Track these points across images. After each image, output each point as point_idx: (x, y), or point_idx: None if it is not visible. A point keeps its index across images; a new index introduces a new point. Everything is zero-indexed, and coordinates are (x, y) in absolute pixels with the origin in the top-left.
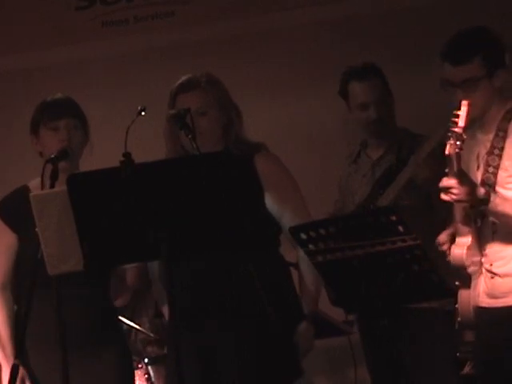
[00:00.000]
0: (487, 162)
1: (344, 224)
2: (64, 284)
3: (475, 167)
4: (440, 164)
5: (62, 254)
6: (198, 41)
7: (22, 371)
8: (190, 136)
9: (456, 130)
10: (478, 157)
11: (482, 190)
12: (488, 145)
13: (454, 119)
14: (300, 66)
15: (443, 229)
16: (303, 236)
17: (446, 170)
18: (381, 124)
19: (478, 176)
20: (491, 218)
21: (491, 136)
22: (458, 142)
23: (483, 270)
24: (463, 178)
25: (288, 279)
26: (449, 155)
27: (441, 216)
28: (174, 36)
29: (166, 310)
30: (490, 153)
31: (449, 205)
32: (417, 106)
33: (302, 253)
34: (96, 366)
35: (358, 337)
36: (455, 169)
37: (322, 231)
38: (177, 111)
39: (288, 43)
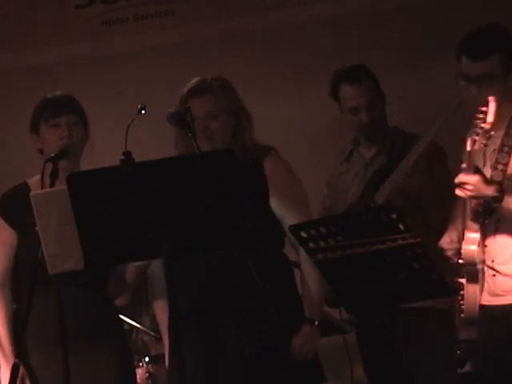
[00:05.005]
0: (496, 159)
1: (344, 222)
2: (63, 283)
3: (481, 164)
4: (429, 169)
5: (62, 253)
6: (197, 40)
7: (21, 371)
8: (190, 134)
9: (484, 125)
10: (484, 154)
11: (495, 188)
12: (497, 142)
13: (478, 115)
14: (300, 65)
15: (437, 232)
16: (304, 234)
17: (463, 166)
18: (372, 126)
19: (486, 173)
20: (497, 216)
21: (501, 133)
22: (482, 139)
23: (485, 268)
24: (479, 174)
25: (291, 279)
26: (470, 151)
27: (432, 219)
28: (173, 35)
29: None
30: (499, 150)
31: (444, 207)
32: (415, 106)
33: (304, 254)
34: (95, 365)
35: (354, 336)
36: (472, 165)
37: (323, 229)
38: (176, 110)
39: (288, 42)
